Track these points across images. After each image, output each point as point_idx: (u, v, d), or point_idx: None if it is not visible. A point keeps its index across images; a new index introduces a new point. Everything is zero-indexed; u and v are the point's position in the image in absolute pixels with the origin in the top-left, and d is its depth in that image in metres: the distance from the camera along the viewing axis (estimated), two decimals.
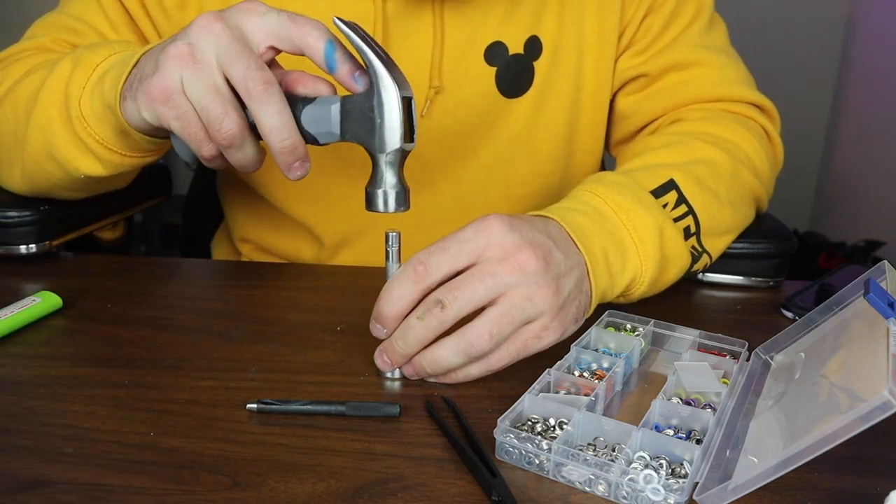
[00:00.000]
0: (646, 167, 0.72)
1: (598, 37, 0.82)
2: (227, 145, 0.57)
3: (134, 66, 0.61)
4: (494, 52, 0.80)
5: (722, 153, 0.75)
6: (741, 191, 0.76)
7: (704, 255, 0.72)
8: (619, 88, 0.87)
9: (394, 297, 0.56)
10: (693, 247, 0.70)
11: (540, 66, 0.81)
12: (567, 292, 0.57)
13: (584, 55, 0.83)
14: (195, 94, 0.56)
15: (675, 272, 0.68)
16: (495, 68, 0.80)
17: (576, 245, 0.60)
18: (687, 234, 0.70)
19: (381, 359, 0.58)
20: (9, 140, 0.73)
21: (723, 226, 0.73)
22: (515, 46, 0.80)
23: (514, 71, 0.81)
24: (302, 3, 0.76)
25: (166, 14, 0.79)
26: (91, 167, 0.68)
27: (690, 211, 0.69)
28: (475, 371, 0.57)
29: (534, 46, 0.81)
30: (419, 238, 0.78)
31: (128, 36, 0.80)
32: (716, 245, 0.73)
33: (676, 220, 0.69)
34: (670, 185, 0.69)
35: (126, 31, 0.80)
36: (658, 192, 0.69)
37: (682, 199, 0.69)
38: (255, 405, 0.55)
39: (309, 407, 0.55)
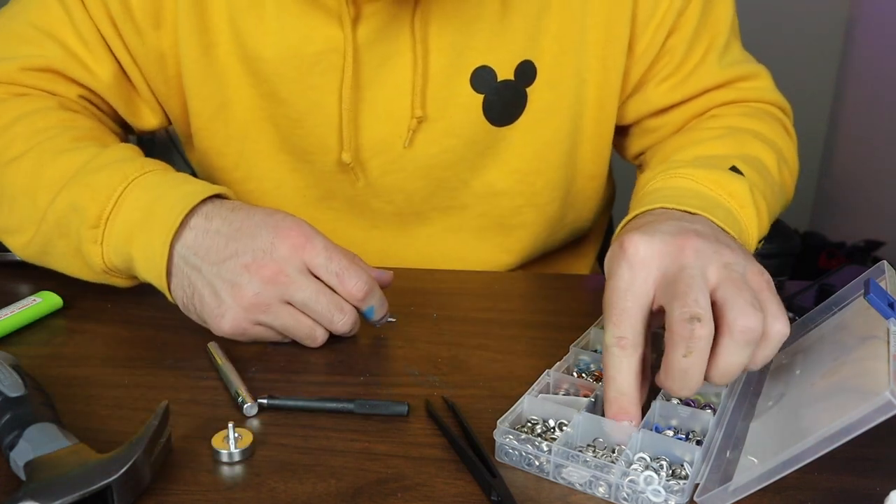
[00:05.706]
0: (707, 157, 0.70)
1: (601, 65, 0.76)
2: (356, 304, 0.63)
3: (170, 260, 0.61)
4: (481, 78, 0.74)
5: (770, 152, 0.74)
6: (781, 189, 0.75)
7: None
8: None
9: (623, 383, 0.50)
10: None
11: (534, 92, 0.76)
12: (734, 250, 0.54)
13: (586, 83, 0.77)
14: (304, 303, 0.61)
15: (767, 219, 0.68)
16: (482, 95, 0.74)
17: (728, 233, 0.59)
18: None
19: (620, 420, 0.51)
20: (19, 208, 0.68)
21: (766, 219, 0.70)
22: (505, 72, 0.74)
23: (503, 98, 0.75)
24: (270, 36, 0.71)
25: (140, 34, 0.72)
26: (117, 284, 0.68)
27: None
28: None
29: (526, 72, 0.75)
30: (415, 270, 0.78)
31: (102, 56, 0.73)
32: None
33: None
34: (735, 172, 0.67)
35: (100, 50, 0.73)
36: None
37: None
38: (265, 400, 0.55)
39: (317, 403, 0.55)
